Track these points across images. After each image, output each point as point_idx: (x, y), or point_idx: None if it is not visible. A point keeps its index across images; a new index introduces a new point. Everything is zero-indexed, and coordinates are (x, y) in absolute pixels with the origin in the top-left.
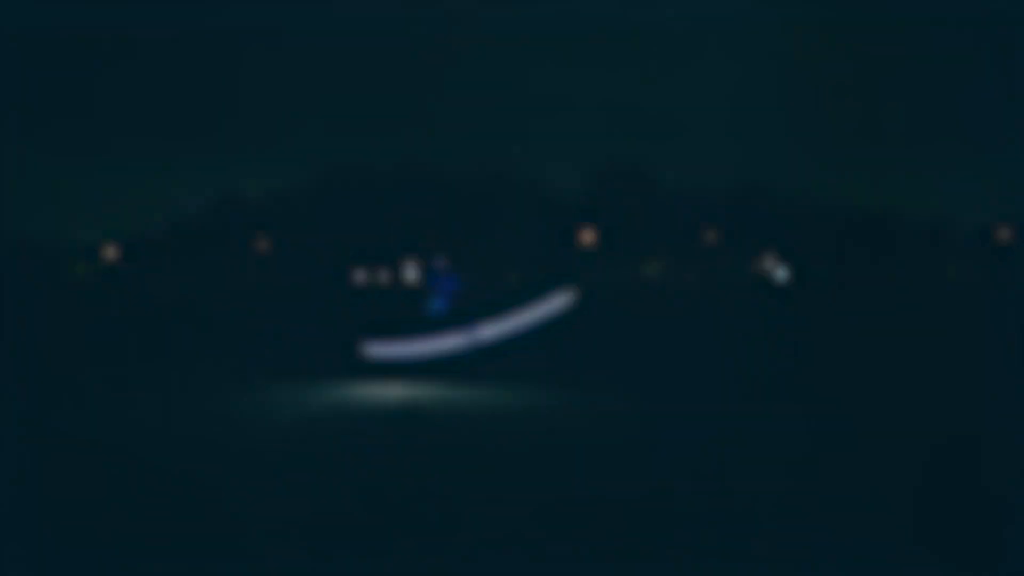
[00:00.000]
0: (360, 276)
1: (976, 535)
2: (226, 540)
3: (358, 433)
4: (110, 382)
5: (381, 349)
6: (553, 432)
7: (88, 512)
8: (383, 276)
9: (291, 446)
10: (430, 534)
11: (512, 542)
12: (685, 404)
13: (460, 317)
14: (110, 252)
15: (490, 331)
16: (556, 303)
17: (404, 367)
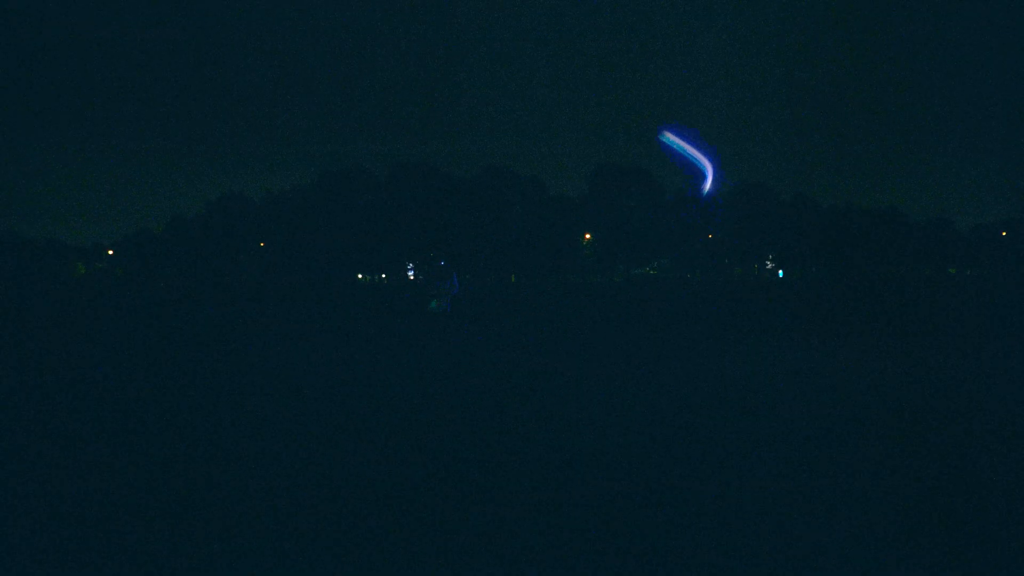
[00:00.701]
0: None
1: (976, 534)
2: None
3: None
4: (110, 381)
5: None
6: (554, 432)
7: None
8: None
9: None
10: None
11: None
12: (686, 402)
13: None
14: (110, 252)
15: None
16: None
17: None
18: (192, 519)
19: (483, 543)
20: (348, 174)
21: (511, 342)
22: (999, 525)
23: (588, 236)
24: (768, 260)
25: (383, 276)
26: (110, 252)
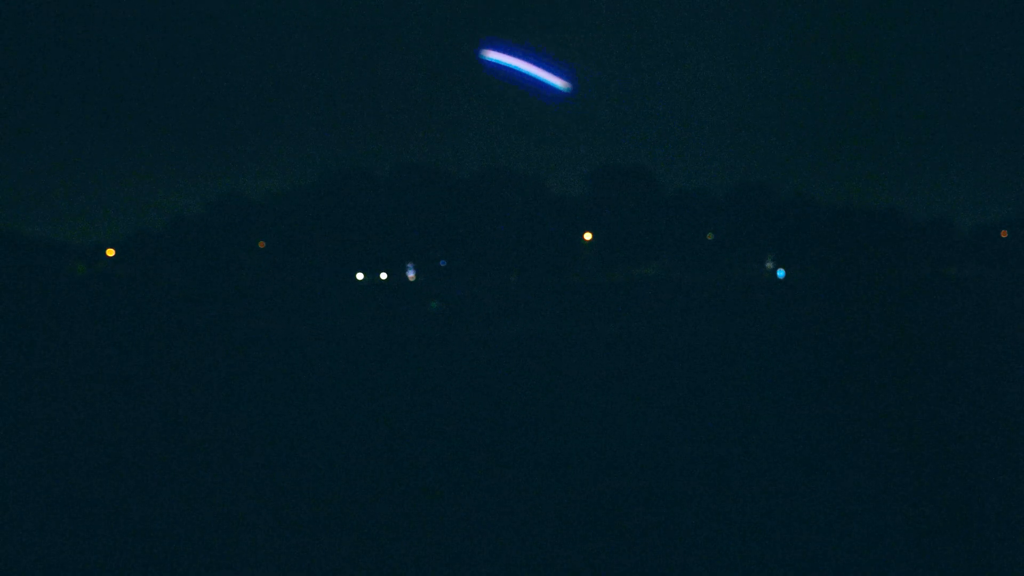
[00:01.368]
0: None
1: (975, 534)
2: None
3: None
4: (109, 380)
5: None
6: (554, 431)
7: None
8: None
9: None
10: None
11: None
12: (686, 401)
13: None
14: (110, 252)
15: None
16: None
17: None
18: (192, 519)
19: (482, 543)
20: (348, 174)
21: (511, 342)
22: (1000, 526)
23: (588, 236)
24: (768, 260)
25: (383, 276)
26: (110, 252)
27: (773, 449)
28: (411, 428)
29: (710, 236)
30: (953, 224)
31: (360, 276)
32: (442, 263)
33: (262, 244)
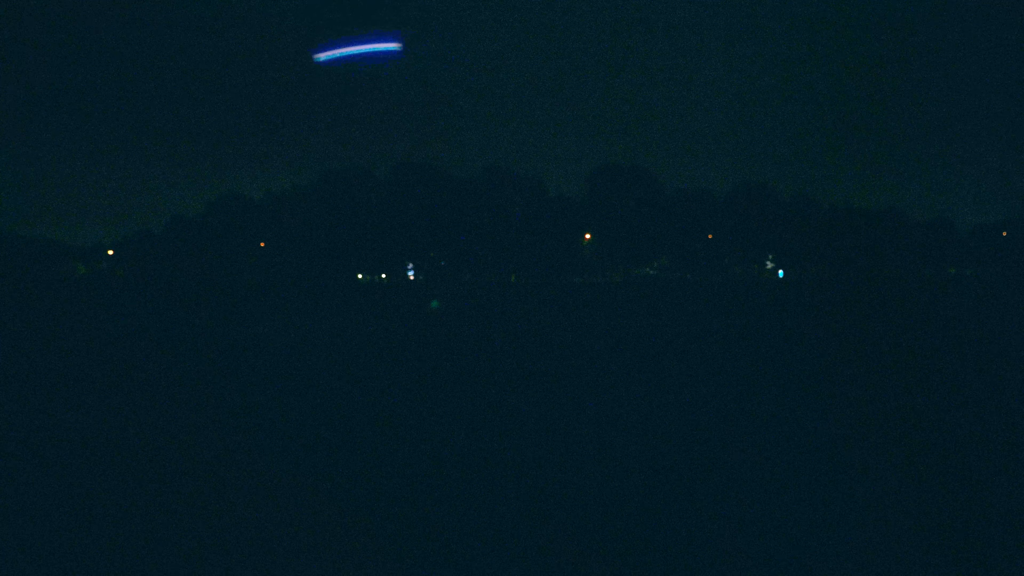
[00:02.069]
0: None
1: (975, 533)
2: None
3: None
4: (110, 379)
5: None
6: (554, 430)
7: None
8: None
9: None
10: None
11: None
12: (685, 402)
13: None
14: (110, 252)
15: None
16: None
17: None
18: (191, 518)
19: (481, 543)
20: (348, 174)
21: (510, 342)
22: (1000, 526)
23: (588, 236)
24: (768, 260)
25: (383, 276)
26: (110, 252)
27: (773, 448)
28: (410, 428)
29: (711, 236)
30: (953, 224)
31: (360, 276)
32: (442, 263)
33: (262, 244)
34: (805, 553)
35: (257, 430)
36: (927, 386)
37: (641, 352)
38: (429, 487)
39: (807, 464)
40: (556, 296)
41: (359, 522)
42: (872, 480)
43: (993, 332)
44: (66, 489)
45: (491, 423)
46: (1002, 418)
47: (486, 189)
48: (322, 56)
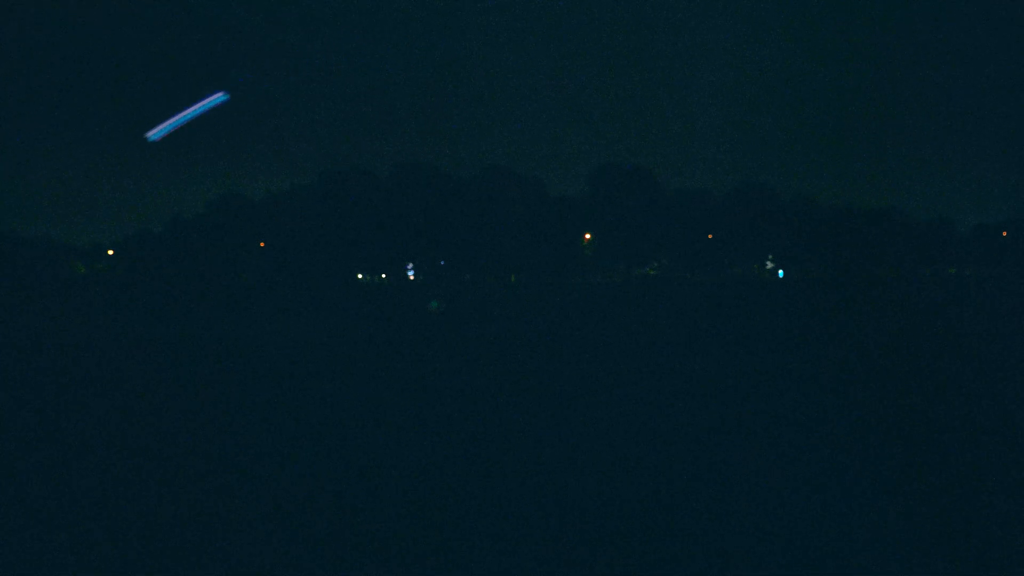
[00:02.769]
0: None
1: (975, 533)
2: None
3: None
4: (110, 380)
5: None
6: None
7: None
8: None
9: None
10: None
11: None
12: (685, 402)
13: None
14: (110, 252)
15: None
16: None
17: None
18: (192, 518)
19: (480, 544)
20: (348, 174)
21: (510, 342)
22: (1000, 526)
23: (588, 236)
24: (768, 260)
25: (383, 276)
26: (110, 252)
27: (773, 448)
28: (410, 428)
29: (711, 236)
30: (953, 224)
31: (360, 276)
32: (442, 263)
33: (262, 244)
34: (806, 554)
35: (254, 432)
36: (927, 386)
37: (641, 352)
38: (429, 487)
39: (807, 464)
40: (556, 296)
41: (359, 522)
42: (872, 480)
43: (993, 332)
44: (65, 490)
45: (491, 423)
46: (1002, 418)
47: (486, 189)
48: (154, 134)
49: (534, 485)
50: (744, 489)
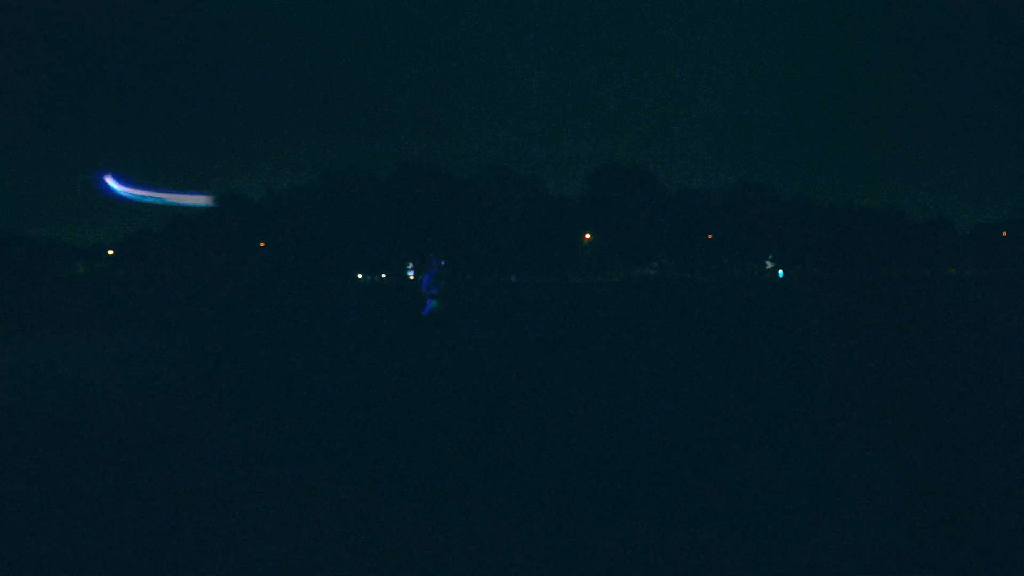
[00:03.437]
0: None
1: (974, 533)
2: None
3: None
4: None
5: None
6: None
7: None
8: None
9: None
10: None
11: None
12: (685, 402)
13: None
14: (110, 252)
15: None
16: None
17: None
18: (192, 518)
19: (480, 545)
20: (349, 174)
21: (510, 342)
22: (999, 526)
23: (588, 236)
24: (768, 260)
25: (383, 276)
26: (110, 252)
27: (773, 447)
28: (411, 428)
29: (711, 236)
30: (953, 224)
31: (360, 276)
32: (441, 262)
33: (262, 244)
34: (806, 554)
35: (253, 432)
36: (927, 386)
37: (641, 352)
38: (428, 488)
39: (807, 464)
40: (556, 296)
41: (359, 522)
42: (872, 480)
43: (993, 332)
44: (66, 489)
45: (491, 423)
46: (1002, 418)
47: (486, 189)
48: (129, 193)
49: (534, 485)
50: (744, 489)
